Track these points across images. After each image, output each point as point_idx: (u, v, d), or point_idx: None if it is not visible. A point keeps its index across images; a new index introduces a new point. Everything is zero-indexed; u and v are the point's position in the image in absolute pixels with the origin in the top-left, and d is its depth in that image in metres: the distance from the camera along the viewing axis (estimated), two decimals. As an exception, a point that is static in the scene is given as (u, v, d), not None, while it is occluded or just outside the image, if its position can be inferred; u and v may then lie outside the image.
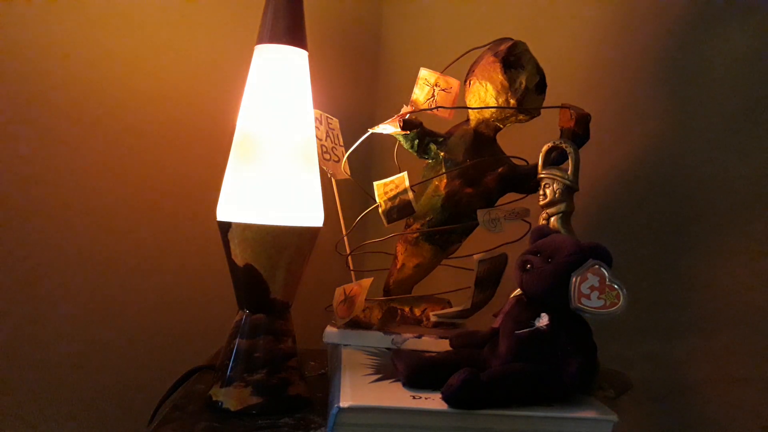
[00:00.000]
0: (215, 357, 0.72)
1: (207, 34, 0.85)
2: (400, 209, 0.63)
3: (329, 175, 0.69)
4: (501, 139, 0.68)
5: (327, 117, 0.71)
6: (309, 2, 0.59)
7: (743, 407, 0.65)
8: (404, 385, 0.53)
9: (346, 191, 0.72)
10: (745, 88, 0.67)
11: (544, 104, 0.65)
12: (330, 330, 0.66)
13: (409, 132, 0.66)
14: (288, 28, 0.57)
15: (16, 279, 0.78)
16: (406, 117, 0.65)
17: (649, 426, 0.72)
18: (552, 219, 0.61)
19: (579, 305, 0.51)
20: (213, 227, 0.59)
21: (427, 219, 0.67)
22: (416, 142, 0.67)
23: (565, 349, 0.51)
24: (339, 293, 0.63)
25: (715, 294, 0.68)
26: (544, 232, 0.57)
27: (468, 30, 0.92)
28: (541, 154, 0.63)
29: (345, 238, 0.70)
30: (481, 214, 0.63)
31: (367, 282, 0.64)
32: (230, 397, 0.56)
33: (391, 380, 0.54)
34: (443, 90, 0.69)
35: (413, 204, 0.62)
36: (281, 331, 0.59)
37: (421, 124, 0.66)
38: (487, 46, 0.66)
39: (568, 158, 0.61)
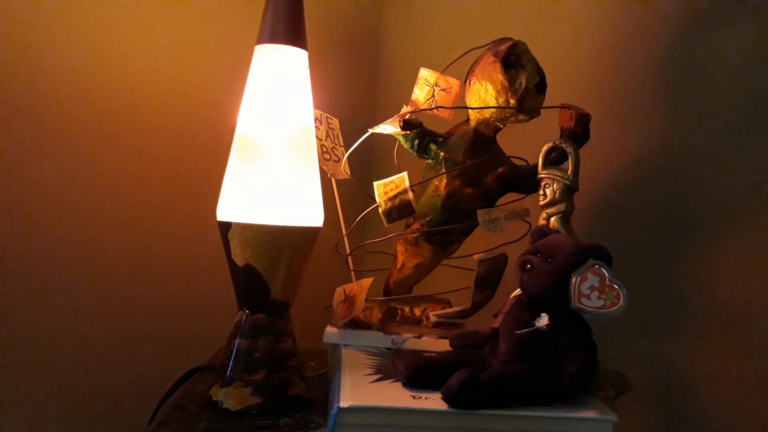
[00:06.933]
0: (215, 357, 0.72)
1: (207, 34, 0.85)
2: (400, 209, 0.63)
3: (329, 175, 0.69)
4: (501, 139, 0.68)
5: (327, 117, 0.71)
6: (309, 2, 0.59)
7: (743, 406, 0.65)
8: (404, 385, 0.53)
9: (346, 191, 0.72)
10: (745, 88, 0.67)
11: (544, 104, 0.65)
12: (330, 330, 0.66)
13: (409, 132, 0.66)
14: (288, 28, 0.57)
15: (16, 279, 0.78)
16: (406, 117, 0.65)
17: (649, 426, 0.72)
18: (552, 219, 0.61)
19: (579, 305, 0.51)
20: (213, 227, 0.59)
21: (427, 219, 0.67)
22: (416, 142, 0.67)
23: (565, 349, 0.51)
24: (339, 293, 0.63)
25: (715, 293, 0.68)
26: (544, 232, 0.57)
27: (468, 30, 0.92)
28: (541, 154, 0.63)
29: (345, 238, 0.70)
30: (481, 214, 0.63)
31: (367, 282, 0.64)
32: (230, 397, 0.56)
33: (391, 380, 0.54)
34: (443, 90, 0.69)
35: (413, 204, 0.62)
36: (281, 331, 0.59)
37: (421, 124, 0.66)
38: (487, 46, 0.66)
39: (568, 158, 0.61)
